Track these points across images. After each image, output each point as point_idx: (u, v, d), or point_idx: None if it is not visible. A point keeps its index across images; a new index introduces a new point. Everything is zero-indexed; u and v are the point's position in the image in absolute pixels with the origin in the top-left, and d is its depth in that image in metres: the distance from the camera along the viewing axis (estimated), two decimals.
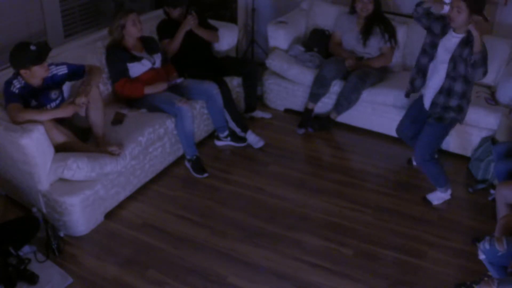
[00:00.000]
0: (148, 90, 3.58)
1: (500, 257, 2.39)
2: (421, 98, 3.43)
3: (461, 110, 3.20)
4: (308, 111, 4.26)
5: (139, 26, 3.57)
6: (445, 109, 3.19)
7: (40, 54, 2.88)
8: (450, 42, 3.10)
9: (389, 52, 4.18)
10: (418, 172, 3.78)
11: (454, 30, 3.07)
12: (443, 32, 3.16)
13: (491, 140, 3.66)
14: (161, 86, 3.63)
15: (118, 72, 3.57)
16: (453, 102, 3.16)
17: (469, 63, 2.96)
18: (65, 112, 2.96)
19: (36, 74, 2.91)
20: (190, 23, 3.96)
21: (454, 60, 3.06)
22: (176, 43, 3.95)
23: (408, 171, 3.81)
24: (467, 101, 3.23)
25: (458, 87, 3.11)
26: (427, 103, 3.32)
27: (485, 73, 3.01)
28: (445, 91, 3.15)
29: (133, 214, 3.28)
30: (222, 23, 4.48)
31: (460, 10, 2.92)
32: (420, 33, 4.20)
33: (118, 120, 3.46)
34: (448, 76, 3.12)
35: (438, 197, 3.44)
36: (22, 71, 2.88)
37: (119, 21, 3.53)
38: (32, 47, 2.85)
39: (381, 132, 4.19)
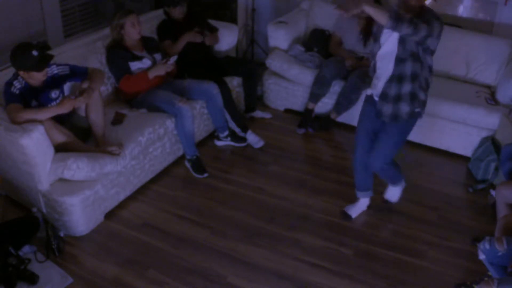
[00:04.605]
0: (151, 74, 3.58)
1: (500, 257, 2.39)
2: (370, 102, 3.02)
3: (414, 98, 2.80)
4: (308, 111, 4.26)
5: (138, 28, 3.57)
6: (397, 100, 2.81)
7: (41, 62, 2.87)
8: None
9: None
10: (418, 172, 3.78)
11: None
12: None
13: (491, 140, 3.66)
14: (160, 69, 3.61)
15: (120, 69, 3.56)
16: (405, 88, 2.78)
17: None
18: (63, 108, 2.95)
19: (34, 78, 2.91)
20: (196, 39, 3.99)
21: (403, 41, 2.70)
22: (177, 49, 3.92)
23: (408, 171, 3.80)
24: (421, 87, 2.82)
25: (408, 68, 2.75)
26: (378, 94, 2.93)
27: (411, 27, 2.56)
28: (396, 78, 2.78)
29: (133, 214, 3.28)
30: (222, 23, 4.48)
31: None
32: None
33: (118, 120, 3.46)
34: (397, 60, 2.76)
35: (395, 193, 3.31)
36: (20, 72, 2.88)
37: (118, 21, 3.53)
38: (35, 53, 2.82)
39: None
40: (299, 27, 4.67)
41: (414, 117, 2.88)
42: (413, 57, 2.72)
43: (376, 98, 2.91)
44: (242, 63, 4.51)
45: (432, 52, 2.76)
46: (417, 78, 2.77)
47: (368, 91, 3.01)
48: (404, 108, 2.81)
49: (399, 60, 2.74)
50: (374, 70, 2.91)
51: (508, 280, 2.28)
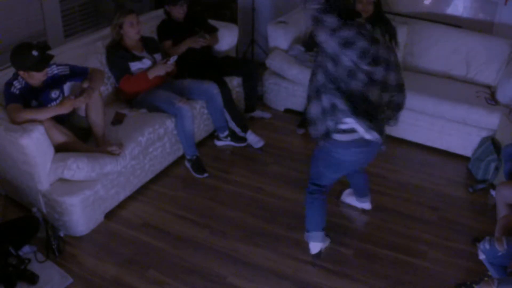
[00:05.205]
0: (151, 74, 3.58)
1: (500, 257, 2.40)
2: None
3: (314, 122, 2.41)
4: None
5: (137, 28, 3.56)
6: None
7: (41, 62, 2.86)
8: None
9: None
10: (418, 172, 3.78)
11: None
12: None
13: (491, 140, 3.66)
14: (160, 69, 3.61)
15: (121, 69, 3.57)
16: (319, 104, 2.38)
17: None
18: (63, 109, 2.95)
19: (34, 78, 2.91)
20: (199, 44, 3.99)
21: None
22: (177, 52, 3.91)
23: (408, 171, 3.81)
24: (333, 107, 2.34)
25: (318, 79, 2.35)
26: None
27: None
28: (312, 95, 2.39)
29: (133, 214, 3.28)
30: (222, 23, 4.48)
31: None
32: (420, 34, 4.22)
33: (118, 120, 3.46)
34: (311, 74, 2.40)
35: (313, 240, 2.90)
36: (20, 72, 2.88)
37: (117, 21, 3.54)
38: (34, 53, 2.82)
39: None
40: (299, 27, 4.67)
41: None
42: (320, 67, 2.33)
43: None
44: (242, 63, 4.51)
45: (334, 61, 2.26)
46: (326, 88, 2.33)
47: None
48: (331, 124, 2.40)
49: (312, 74, 2.36)
50: None
51: (508, 280, 2.28)
